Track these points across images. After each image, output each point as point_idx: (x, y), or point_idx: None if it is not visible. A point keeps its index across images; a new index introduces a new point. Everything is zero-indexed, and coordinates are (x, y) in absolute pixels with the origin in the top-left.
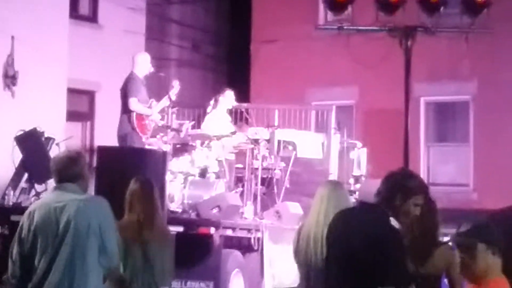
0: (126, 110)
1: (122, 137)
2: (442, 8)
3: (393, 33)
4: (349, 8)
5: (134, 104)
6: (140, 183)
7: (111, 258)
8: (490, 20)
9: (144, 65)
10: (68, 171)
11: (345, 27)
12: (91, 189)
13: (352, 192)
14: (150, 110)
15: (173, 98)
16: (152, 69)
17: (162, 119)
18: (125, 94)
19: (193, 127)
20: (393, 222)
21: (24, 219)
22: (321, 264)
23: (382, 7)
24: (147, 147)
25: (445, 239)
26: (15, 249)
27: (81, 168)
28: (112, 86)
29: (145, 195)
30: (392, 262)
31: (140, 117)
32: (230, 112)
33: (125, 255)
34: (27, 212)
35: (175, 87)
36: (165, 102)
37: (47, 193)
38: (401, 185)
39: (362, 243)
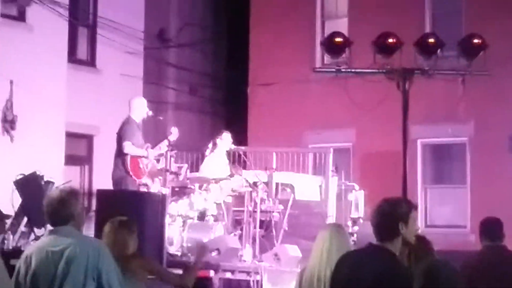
0: (120, 153)
1: (116, 181)
2: (439, 51)
3: (391, 76)
4: (347, 51)
5: (128, 147)
6: (110, 226)
7: None
8: (487, 62)
9: (140, 109)
10: (59, 213)
11: (342, 70)
12: (91, 233)
13: (350, 235)
14: (145, 151)
15: (171, 141)
16: (150, 113)
17: (160, 162)
18: (119, 137)
19: (191, 170)
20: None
21: (20, 263)
22: None
23: (379, 49)
24: (144, 190)
25: None
26: None
27: (73, 209)
28: (111, 129)
29: (116, 237)
30: None
31: (135, 160)
32: (228, 154)
33: None
34: (23, 256)
35: (174, 133)
36: (163, 147)
37: (43, 237)
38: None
39: (371, 283)
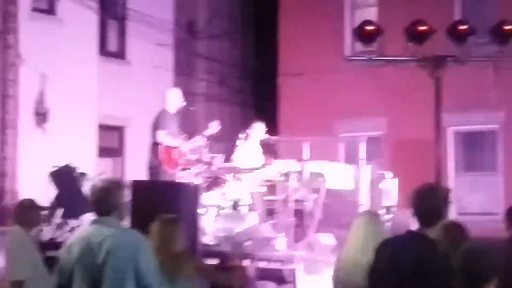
0: (154, 143)
1: (150, 171)
2: (470, 38)
3: (423, 63)
4: (378, 39)
5: (161, 136)
6: (160, 224)
7: None
8: None
9: (174, 100)
10: (103, 203)
11: (374, 58)
12: (127, 223)
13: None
14: (178, 141)
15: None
16: (184, 103)
17: (194, 153)
18: (154, 128)
19: (224, 161)
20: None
21: (63, 252)
22: None
23: (411, 37)
24: (178, 180)
25: None
26: (55, 281)
27: (117, 200)
28: (142, 121)
29: (166, 234)
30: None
31: (169, 150)
32: (260, 144)
33: None
34: (66, 244)
35: (211, 128)
36: (199, 141)
37: (86, 227)
38: None
39: (411, 270)
